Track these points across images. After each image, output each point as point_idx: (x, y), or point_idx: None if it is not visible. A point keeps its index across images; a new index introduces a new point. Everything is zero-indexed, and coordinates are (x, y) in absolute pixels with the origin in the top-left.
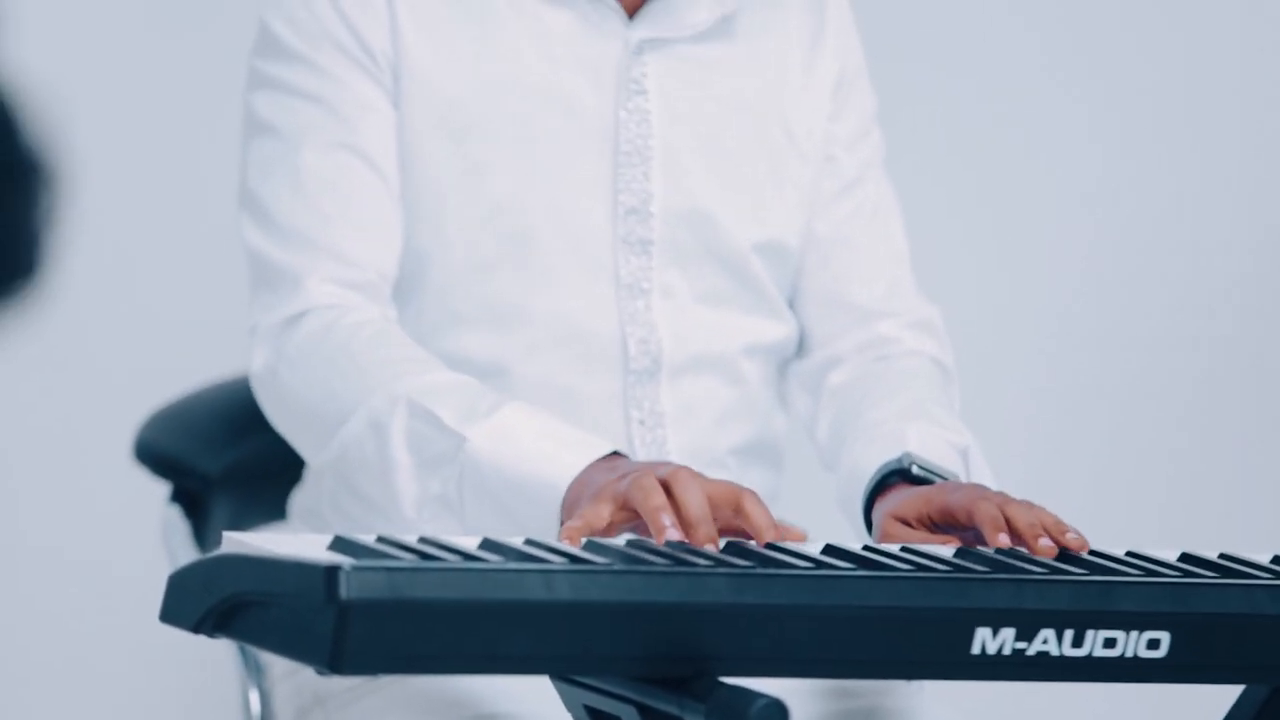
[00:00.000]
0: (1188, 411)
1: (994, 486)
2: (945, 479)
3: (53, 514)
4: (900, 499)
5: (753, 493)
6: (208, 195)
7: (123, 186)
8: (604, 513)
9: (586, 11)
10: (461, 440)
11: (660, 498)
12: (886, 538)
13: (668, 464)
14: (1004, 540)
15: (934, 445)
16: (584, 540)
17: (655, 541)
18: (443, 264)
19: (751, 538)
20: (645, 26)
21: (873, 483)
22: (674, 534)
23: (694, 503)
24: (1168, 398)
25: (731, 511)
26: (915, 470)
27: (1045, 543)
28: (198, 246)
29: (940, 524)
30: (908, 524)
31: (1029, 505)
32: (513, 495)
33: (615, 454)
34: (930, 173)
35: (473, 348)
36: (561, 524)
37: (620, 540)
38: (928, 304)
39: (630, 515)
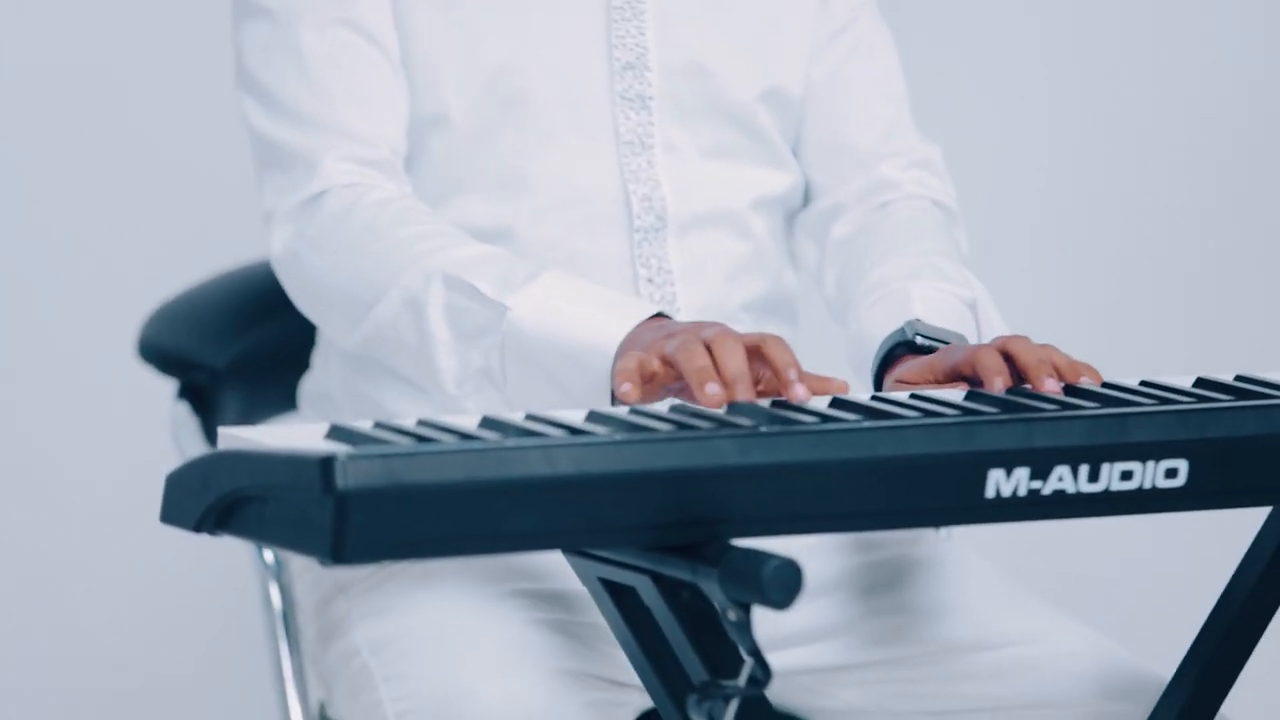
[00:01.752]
0: (1197, 236)
1: (1005, 330)
2: (950, 344)
3: (59, 417)
4: (906, 368)
5: (776, 337)
6: (202, 86)
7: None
8: (652, 362)
9: None
10: (503, 309)
11: (704, 359)
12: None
13: (714, 324)
14: (1001, 384)
15: (940, 303)
16: (588, 412)
17: (698, 401)
18: (443, 133)
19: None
20: None
21: (879, 356)
22: (715, 389)
23: (733, 363)
24: (1175, 223)
25: (757, 358)
26: (919, 341)
27: (1051, 383)
28: (194, 140)
29: (944, 382)
30: (915, 382)
31: (1027, 339)
32: (560, 362)
33: (659, 315)
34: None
35: (477, 214)
36: (611, 389)
37: (622, 409)
38: (928, 143)
39: (675, 374)
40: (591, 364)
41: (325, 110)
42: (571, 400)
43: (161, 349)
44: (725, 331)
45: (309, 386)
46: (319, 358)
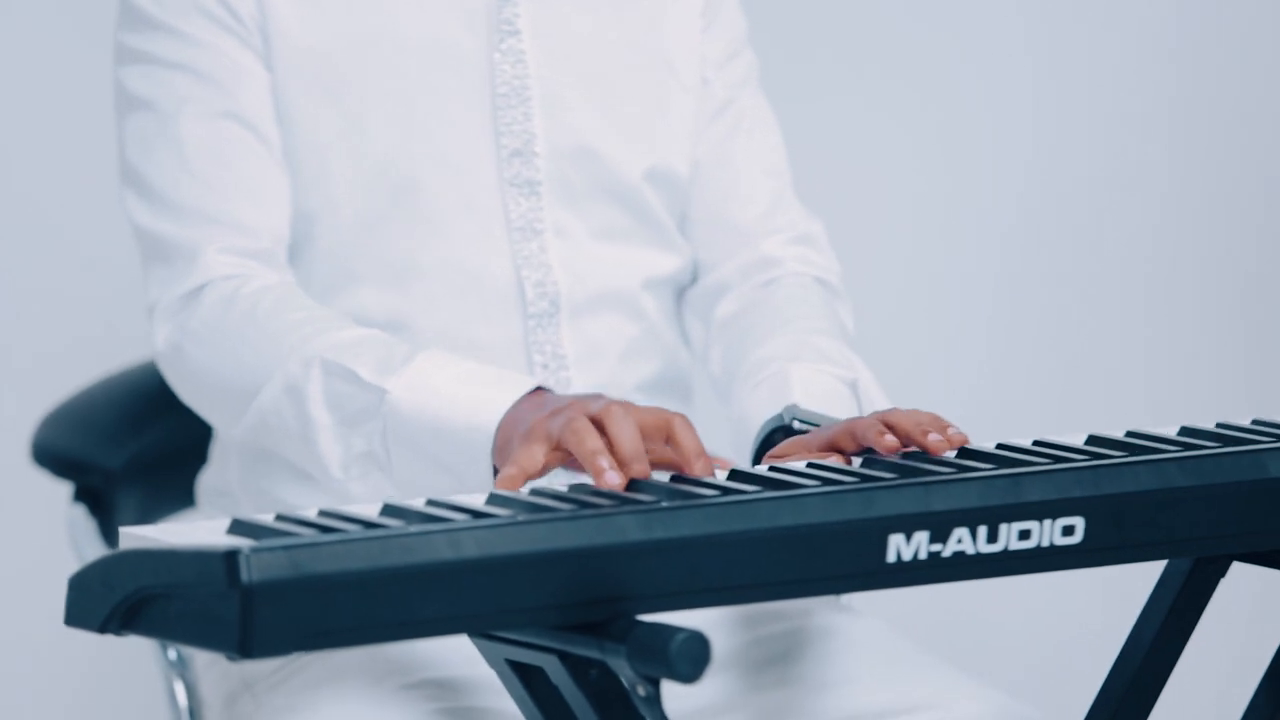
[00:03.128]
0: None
1: (887, 404)
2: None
3: None
4: (781, 447)
5: (683, 417)
6: (86, 183)
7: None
8: (538, 455)
9: None
10: (382, 393)
11: (595, 440)
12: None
13: (598, 397)
14: (891, 441)
15: (821, 385)
16: (489, 494)
17: (596, 484)
18: (331, 223)
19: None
20: None
21: (758, 440)
22: (613, 477)
23: (627, 439)
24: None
25: (664, 439)
26: (796, 426)
27: (935, 437)
28: (79, 236)
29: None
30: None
31: (905, 410)
32: (441, 443)
33: (539, 389)
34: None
35: (370, 304)
36: (494, 467)
37: (524, 490)
38: (810, 219)
39: (564, 455)
40: (473, 441)
41: (207, 201)
42: (457, 480)
43: (55, 452)
44: (612, 405)
45: (207, 482)
46: (217, 451)
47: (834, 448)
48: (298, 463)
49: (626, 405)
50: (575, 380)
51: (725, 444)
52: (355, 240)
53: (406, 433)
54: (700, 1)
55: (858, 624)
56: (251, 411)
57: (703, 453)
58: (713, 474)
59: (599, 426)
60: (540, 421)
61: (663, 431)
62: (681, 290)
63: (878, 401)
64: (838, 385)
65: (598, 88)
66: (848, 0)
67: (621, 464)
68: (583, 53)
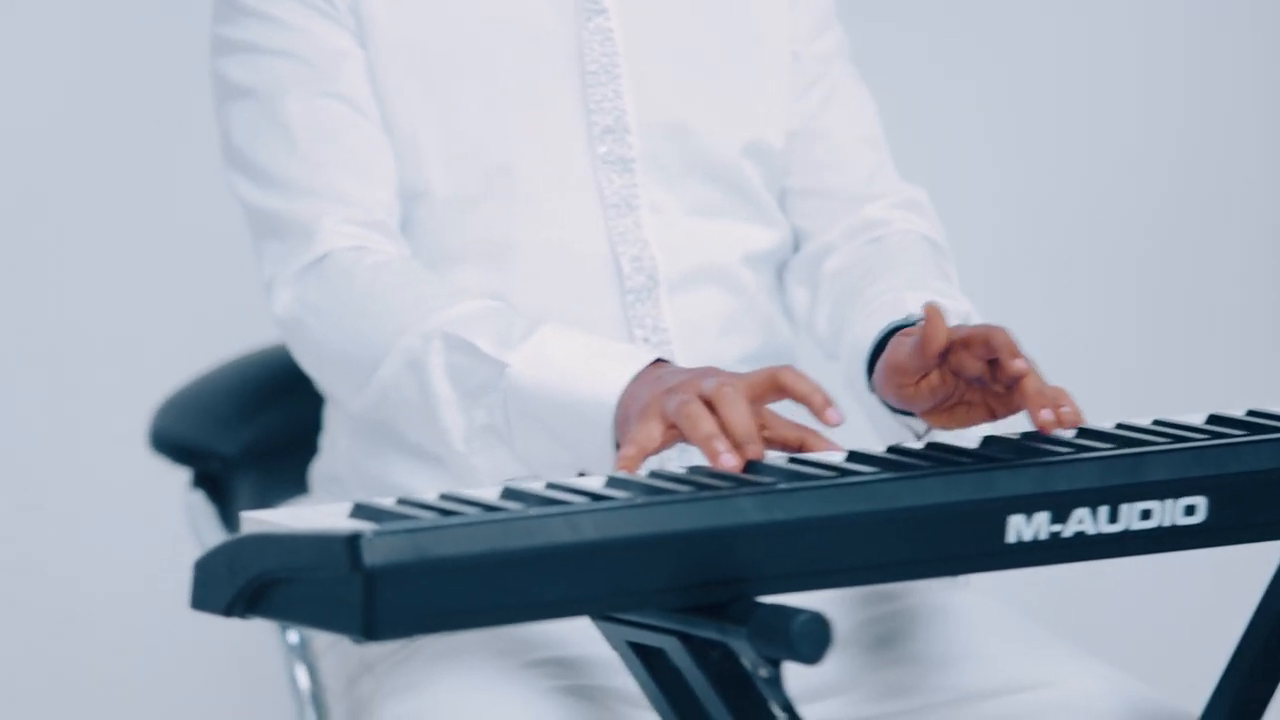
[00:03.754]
0: (1194, 269)
1: None
2: None
3: (80, 512)
4: (895, 348)
5: (788, 367)
6: (197, 174)
7: (115, 176)
8: (655, 433)
9: None
10: (503, 366)
11: (709, 423)
12: (890, 362)
13: (711, 372)
14: (1021, 365)
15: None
16: (608, 477)
17: (712, 466)
18: (428, 203)
19: (803, 448)
20: None
21: (875, 342)
22: (729, 460)
23: (740, 420)
24: (1171, 258)
25: (777, 396)
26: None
27: (1046, 414)
28: (194, 224)
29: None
30: (904, 371)
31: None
32: (561, 417)
33: (659, 361)
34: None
35: (469, 283)
36: (615, 441)
37: (643, 473)
38: (912, 186)
39: (679, 433)
40: (593, 418)
41: (318, 177)
42: (575, 453)
43: (174, 439)
44: (725, 383)
45: (319, 469)
46: (327, 441)
47: (962, 343)
48: (420, 437)
49: (736, 382)
50: (678, 354)
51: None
52: (450, 220)
53: (527, 406)
54: None
55: (975, 601)
56: (373, 385)
57: (818, 388)
58: (839, 414)
59: (711, 407)
60: (656, 399)
61: (772, 387)
62: (781, 265)
63: None
64: (951, 316)
65: (687, 64)
66: None
67: (736, 446)
68: (671, 29)
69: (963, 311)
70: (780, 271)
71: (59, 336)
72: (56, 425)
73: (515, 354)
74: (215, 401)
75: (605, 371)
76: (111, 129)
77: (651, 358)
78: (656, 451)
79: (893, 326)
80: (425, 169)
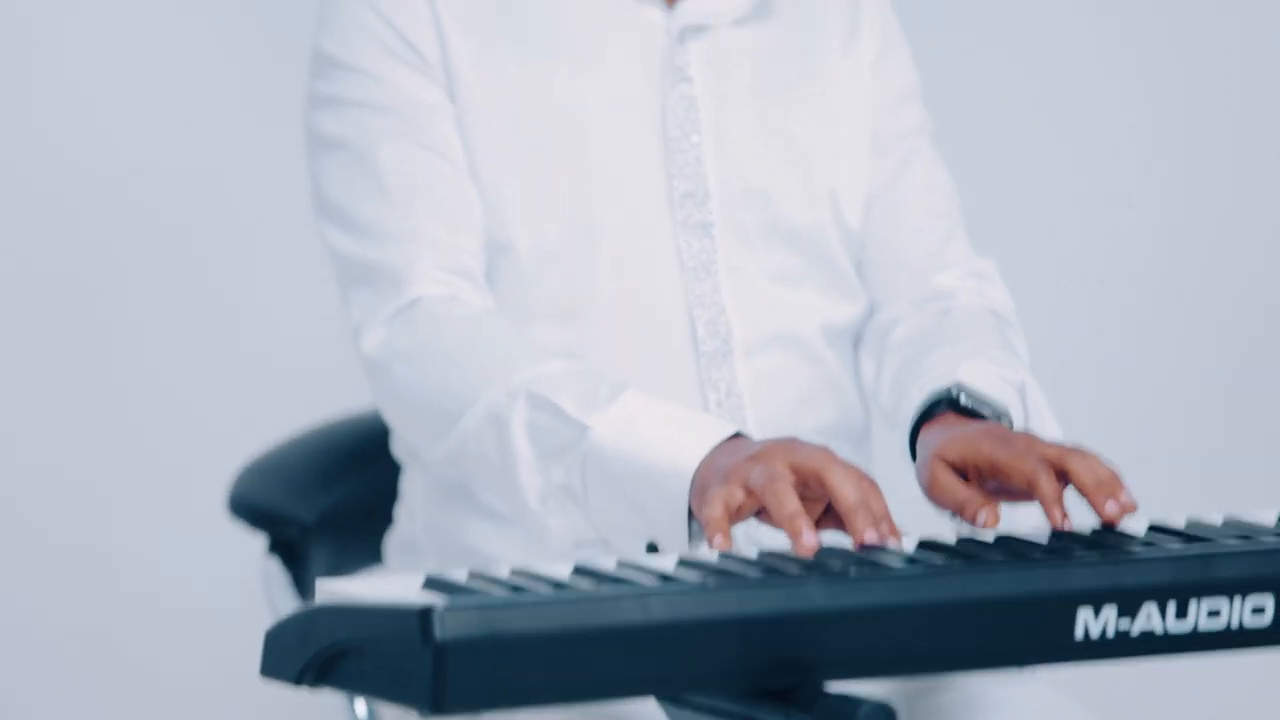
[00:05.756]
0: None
1: (1054, 424)
2: (996, 410)
3: (154, 571)
4: (946, 436)
5: (873, 486)
6: (285, 253)
7: (200, 243)
8: (737, 495)
9: (625, 1)
10: (584, 429)
11: (794, 502)
12: (933, 480)
13: (798, 445)
14: (1059, 516)
15: (986, 380)
16: (678, 558)
17: (795, 548)
18: (509, 257)
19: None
20: (686, 12)
21: (920, 410)
22: (810, 539)
23: (851, 490)
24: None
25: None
26: (963, 400)
27: (1112, 507)
28: (277, 293)
29: (988, 476)
30: (953, 467)
31: (1085, 455)
32: (638, 483)
33: (738, 435)
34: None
35: (547, 339)
36: (689, 510)
37: (711, 555)
38: (982, 257)
39: (757, 502)
40: (669, 486)
41: (409, 224)
42: (648, 521)
43: (252, 504)
44: (817, 454)
45: (394, 539)
46: (403, 510)
47: (997, 472)
48: (492, 493)
49: (833, 455)
50: (751, 420)
51: (913, 504)
52: (531, 276)
53: (605, 470)
54: (873, 51)
55: (1039, 693)
56: (454, 435)
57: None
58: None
59: (812, 474)
60: (739, 466)
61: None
62: (859, 340)
63: (1043, 411)
64: (1003, 385)
65: (768, 134)
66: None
67: (845, 513)
68: (753, 100)
69: (1018, 382)
70: (857, 348)
71: (143, 400)
72: (137, 488)
73: (598, 417)
74: (294, 468)
75: (685, 442)
76: (194, 195)
77: (731, 431)
78: (739, 518)
79: (938, 397)
80: (508, 224)
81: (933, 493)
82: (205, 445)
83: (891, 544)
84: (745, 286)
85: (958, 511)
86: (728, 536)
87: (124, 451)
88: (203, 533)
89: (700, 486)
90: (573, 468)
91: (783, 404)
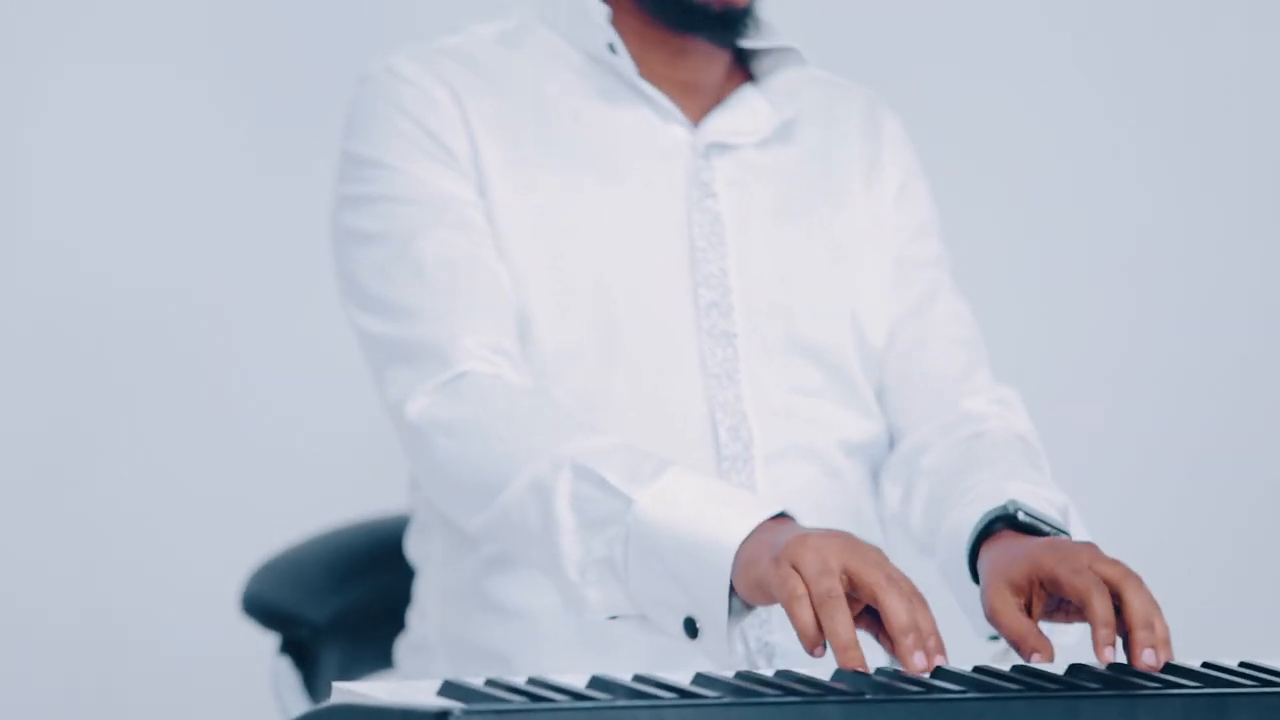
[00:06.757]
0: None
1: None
2: (1053, 526)
3: (165, 667)
4: (1010, 557)
5: (922, 603)
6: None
7: (220, 346)
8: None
9: (651, 117)
10: (629, 501)
11: (849, 632)
12: (996, 607)
13: (856, 547)
14: (1110, 655)
15: (1034, 500)
16: (695, 674)
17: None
18: (532, 352)
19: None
20: (711, 131)
21: (978, 529)
22: (856, 658)
23: (903, 612)
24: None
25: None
26: (1022, 516)
27: (1149, 656)
28: (293, 398)
29: (1049, 591)
30: (1016, 588)
31: (1142, 588)
32: (681, 557)
33: (783, 515)
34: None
35: None
36: (731, 585)
37: (729, 672)
38: (1005, 385)
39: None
40: (712, 560)
41: (450, 305)
42: (689, 596)
43: (264, 604)
44: (894, 578)
45: (406, 643)
46: (415, 613)
47: (1057, 587)
48: (534, 563)
49: (889, 570)
50: None
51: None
52: (553, 370)
53: (648, 543)
54: (895, 183)
55: None
56: (495, 506)
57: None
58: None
59: (866, 590)
60: (792, 547)
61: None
62: (876, 462)
63: (1082, 535)
64: (1049, 508)
65: (790, 254)
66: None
67: (895, 634)
68: (776, 219)
69: (1059, 503)
70: (875, 470)
71: (157, 496)
72: (148, 584)
73: (643, 491)
74: (308, 570)
75: (729, 517)
76: (205, 299)
77: (777, 510)
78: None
79: (996, 515)
80: (532, 319)
81: (994, 619)
82: (219, 546)
83: (938, 661)
84: (766, 396)
85: (1014, 645)
86: (861, 658)
87: (140, 553)
88: (215, 632)
89: (744, 562)
90: (615, 540)
91: (800, 511)
